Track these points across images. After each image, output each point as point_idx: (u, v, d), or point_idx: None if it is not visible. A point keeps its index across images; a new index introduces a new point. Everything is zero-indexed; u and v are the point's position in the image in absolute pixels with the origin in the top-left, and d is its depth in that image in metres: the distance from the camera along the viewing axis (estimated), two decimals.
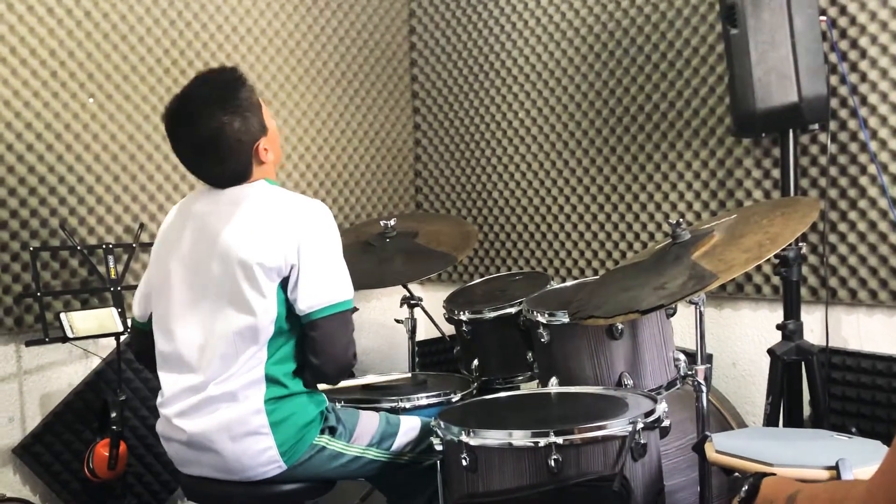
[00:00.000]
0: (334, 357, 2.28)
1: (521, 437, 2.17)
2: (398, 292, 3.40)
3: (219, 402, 2.24)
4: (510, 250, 3.96)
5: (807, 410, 2.96)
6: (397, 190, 4.22)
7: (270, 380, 2.26)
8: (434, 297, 3.68)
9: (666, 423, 2.32)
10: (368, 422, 2.45)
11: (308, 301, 2.24)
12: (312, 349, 2.28)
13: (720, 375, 3.33)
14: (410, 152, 4.27)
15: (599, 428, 2.17)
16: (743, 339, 3.29)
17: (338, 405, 2.67)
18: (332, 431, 2.35)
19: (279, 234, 2.23)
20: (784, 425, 2.93)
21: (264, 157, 2.33)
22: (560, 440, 2.13)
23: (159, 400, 2.37)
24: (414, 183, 4.29)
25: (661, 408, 2.31)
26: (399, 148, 4.22)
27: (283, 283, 2.24)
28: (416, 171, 4.28)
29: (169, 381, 2.33)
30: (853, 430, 2.56)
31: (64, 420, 3.20)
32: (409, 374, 3.21)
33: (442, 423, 2.29)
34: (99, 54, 3.29)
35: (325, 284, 2.26)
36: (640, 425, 2.20)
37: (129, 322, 3.06)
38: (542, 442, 2.13)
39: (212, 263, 2.27)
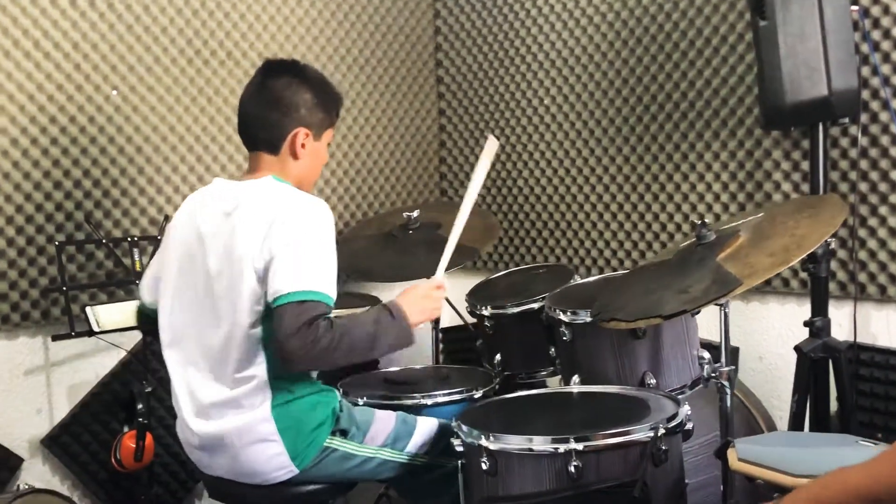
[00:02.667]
0: (281, 345, 2.10)
1: (541, 443, 2.15)
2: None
3: (225, 407, 2.24)
4: (535, 239, 3.93)
5: (833, 406, 2.93)
6: (422, 177, 4.20)
7: (276, 385, 2.23)
8: (458, 285, 3.66)
9: (689, 426, 2.30)
10: (383, 422, 2.44)
11: (273, 286, 2.13)
12: (272, 337, 2.17)
13: (746, 369, 3.30)
14: (435, 139, 4.24)
15: (620, 434, 2.15)
16: (770, 333, 3.25)
17: (360, 401, 2.69)
18: (344, 433, 2.33)
19: (267, 230, 2.18)
20: (810, 423, 2.90)
21: (298, 150, 2.33)
22: (580, 446, 2.11)
23: (173, 399, 2.37)
24: (439, 170, 4.26)
25: (684, 411, 2.29)
26: (424, 135, 4.19)
27: None
28: (440, 157, 4.26)
29: (177, 378, 2.33)
30: (879, 435, 2.52)
31: (91, 411, 3.24)
32: (432, 367, 3.22)
33: (463, 426, 2.29)
34: (122, 46, 3.28)
35: (292, 272, 2.13)
36: (661, 431, 2.17)
37: None
38: (562, 448, 2.12)
39: (209, 261, 2.26)
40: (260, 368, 2.22)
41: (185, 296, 2.32)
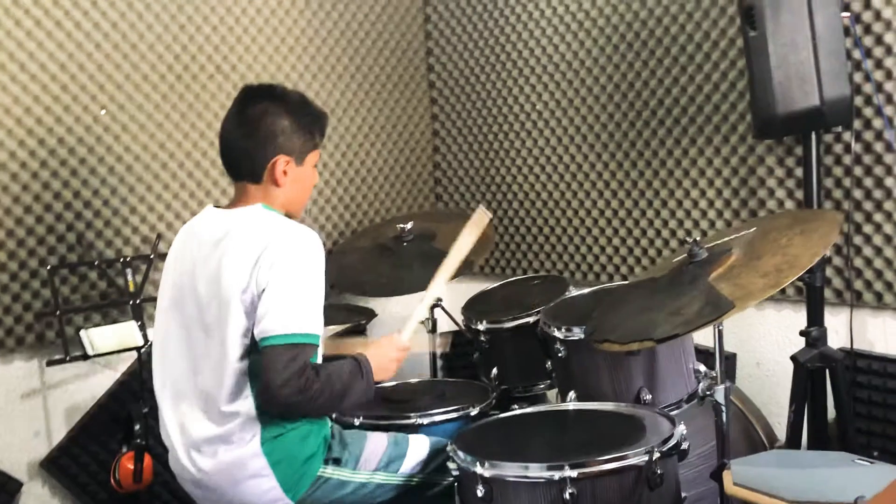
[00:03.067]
0: (266, 386, 2.09)
1: (536, 470, 2.15)
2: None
3: (216, 443, 2.22)
4: (531, 245, 3.92)
5: (831, 414, 2.92)
6: (416, 183, 4.18)
7: (264, 418, 2.21)
8: (453, 293, 3.65)
9: (684, 446, 2.29)
10: (376, 445, 2.43)
11: (261, 325, 2.12)
12: (258, 377, 2.16)
13: (744, 375, 3.29)
14: (429, 144, 4.22)
15: (615, 459, 2.15)
16: (767, 339, 3.24)
17: (356, 422, 2.68)
18: (337, 461, 2.32)
19: (255, 262, 2.15)
20: (808, 433, 2.89)
21: (279, 178, 2.29)
22: (575, 473, 2.11)
23: (162, 432, 2.37)
24: (433, 174, 4.25)
25: (679, 431, 2.28)
26: (417, 140, 4.17)
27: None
28: (434, 162, 4.24)
29: (167, 413, 2.32)
30: (875, 454, 2.51)
31: (89, 432, 3.24)
32: (429, 381, 3.21)
33: (458, 451, 2.29)
34: (110, 65, 3.26)
35: (282, 311, 2.11)
36: (656, 455, 2.17)
37: (149, 335, 3.09)
38: (557, 475, 2.11)
39: (199, 291, 2.25)
40: (247, 403, 2.20)
41: (175, 328, 2.31)
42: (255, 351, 2.18)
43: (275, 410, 2.18)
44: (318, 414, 2.24)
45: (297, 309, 2.14)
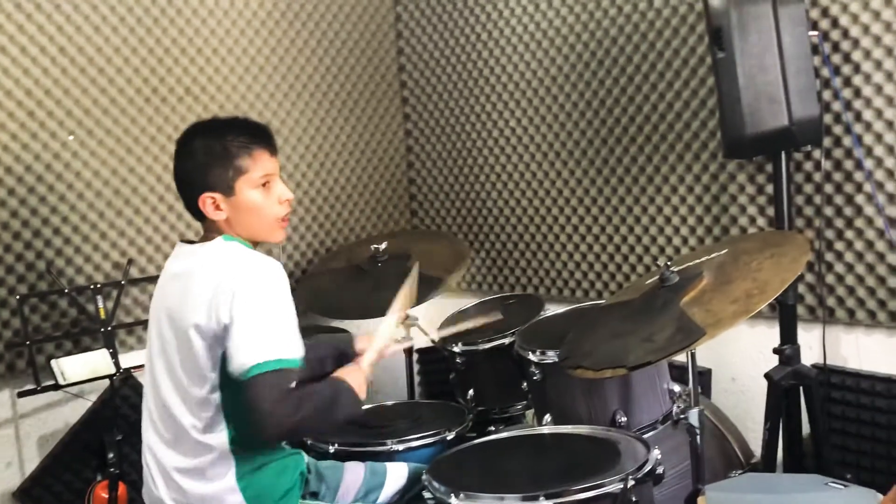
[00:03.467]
0: (259, 419, 2.03)
1: (511, 501, 2.14)
2: None
3: (190, 476, 2.20)
4: (506, 260, 3.91)
5: (806, 430, 2.93)
6: (391, 199, 4.16)
7: (238, 453, 2.18)
8: (429, 310, 3.63)
9: (660, 471, 2.29)
10: (353, 476, 2.42)
11: (238, 360, 2.06)
12: (246, 410, 2.10)
13: (719, 390, 3.30)
14: (403, 160, 4.21)
15: (591, 488, 2.14)
16: (741, 356, 3.25)
17: (331, 448, 2.67)
18: (315, 495, 2.32)
19: (215, 294, 2.11)
20: (784, 449, 2.91)
21: (211, 213, 2.23)
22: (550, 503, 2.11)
23: (143, 460, 2.34)
24: (408, 190, 4.23)
25: (654, 456, 2.28)
26: (392, 157, 4.16)
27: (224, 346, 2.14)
28: (409, 178, 4.22)
29: (146, 445, 2.30)
30: (848, 476, 2.52)
31: (62, 461, 3.20)
32: (404, 404, 3.20)
33: (433, 482, 2.27)
34: (77, 90, 3.23)
35: (257, 341, 2.06)
36: (630, 482, 2.17)
37: (121, 363, 3.06)
38: None
39: (164, 329, 2.23)
40: (221, 436, 2.17)
41: (155, 364, 2.28)
42: (227, 385, 2.15)
43: (272, 439, 2.15)
44: (315, 432, 2.28)
45: (269, 336, 2.08)
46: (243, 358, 2.06)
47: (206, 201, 2.21)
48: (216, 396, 2.17)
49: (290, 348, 2.11)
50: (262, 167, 2.24)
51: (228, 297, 2.09)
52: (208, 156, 2.21)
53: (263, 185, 2.25)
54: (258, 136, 2.26)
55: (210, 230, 2.28)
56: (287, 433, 2.15)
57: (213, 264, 2.18)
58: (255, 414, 2.04)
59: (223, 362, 2.13)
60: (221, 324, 2.09)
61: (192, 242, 2.31)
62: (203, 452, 2.19)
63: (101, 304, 3.16)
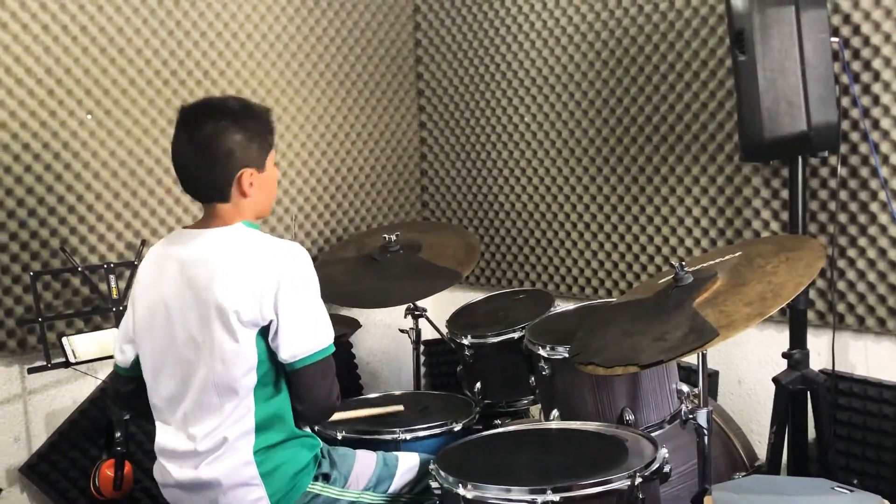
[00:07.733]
0: (316, 403, 2.28)
1: (518, 493, 2.15)
2: None
3: (209, 454, 2.22)
4: (516, 255, 3.92)
5: (812, 435, 2.94)
6: (403, 190, 4.17)
7: (260, 429, 2.23)
8: (439, 303, 3.65)
9: (666, 469, 2.30)
10: (364, 464, 2.43)
11: (290, 350, 2.21)
12: (297, 395, 2.28)
13: (725, 392, 3.31)
14: (416, 151, 4.21)
15: (598, 484, 2.16)
16: (749, 359, 3.26)
17: (339, 435, 2.68)
18: (326, 478, 2.33)
19: (256, 284, 2.17)
20: (789, 454, 2.91)
21: (247, 189, 2.26)
22: (557, 497, 2.12)
23: (156, 445, 2.36)
24: (420, 182, 4.24)
25: (661, 455, 2.29)
26: (405, 148, 4.17)
27: (263, 332, 2.20)
28: (422, 170, 4.23)
29: (161, 429, 2.32)
30: (855, 481, 2.53)
31: (70, 438, 3.22)
32: (412, 394, 3.21)
33: (440, 471, 2.29)
34: (96, 70, 3.24)
35: (306, 333, 2.23)
36: (638, 480, 2.18)
37: None
38: (540, 500, 2.12)
39: (190, 312, 2.23)
40: (246, 412, 2.22)
41: (165, 344, 2.28)
42: (261, 368, 2.21)
43: (320, 420, 2.53)
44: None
45: (317, 326, 2.25)
46: (295, 349, 2.22)
47: (245, 176, 2.24)
48: (250, 378, 2.20)
49: (331, 334, 2.29)
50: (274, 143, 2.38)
51: (273, 288, 2.18)
52: (250, 129, 2.26)
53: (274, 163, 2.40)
54: (271, 115, 2.37)
55: (221, 214, 2.27)
56: (332, 413, 2.39)
57: (247, 252, 2.22)
58: (307, 401, 2.26)
59: (260, 342, 2.20)
60: (266, 317, 2.18)
61: (194, 229, 2.32)
62: (224, 428, 2.21)
63: (113, 284, 3.18)
